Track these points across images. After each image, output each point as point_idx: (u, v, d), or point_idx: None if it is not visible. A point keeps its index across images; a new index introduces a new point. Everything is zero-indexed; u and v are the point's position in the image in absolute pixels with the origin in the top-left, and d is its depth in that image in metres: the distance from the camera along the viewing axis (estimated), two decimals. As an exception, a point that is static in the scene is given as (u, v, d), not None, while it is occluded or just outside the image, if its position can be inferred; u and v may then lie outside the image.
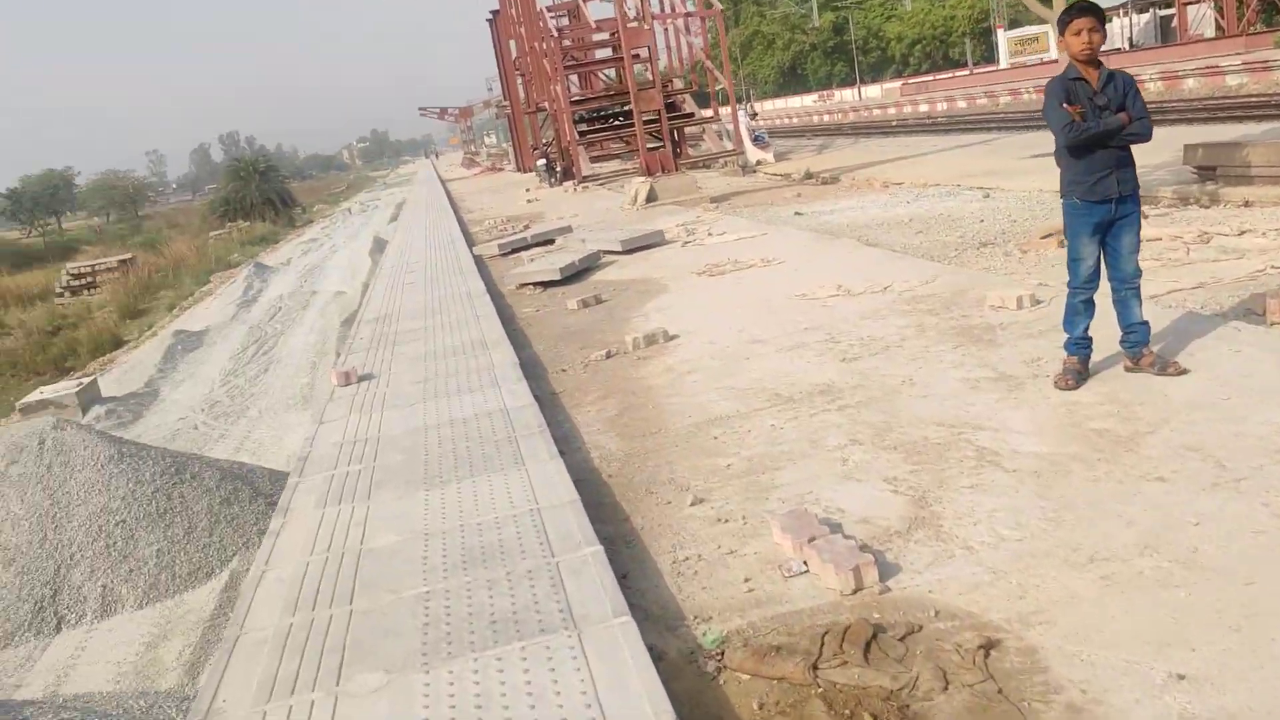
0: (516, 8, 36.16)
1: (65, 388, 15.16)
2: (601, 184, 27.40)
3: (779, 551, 3.96)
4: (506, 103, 50.42)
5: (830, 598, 3.55)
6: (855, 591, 3.55)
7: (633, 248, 13.51)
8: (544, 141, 37.70)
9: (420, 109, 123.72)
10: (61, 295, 41.33)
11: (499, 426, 5.78)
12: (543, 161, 31.75)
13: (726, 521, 4.37)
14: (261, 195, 63.72)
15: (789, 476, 4.76)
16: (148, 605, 7.60)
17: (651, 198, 17.94)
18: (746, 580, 3.79)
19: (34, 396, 14.93)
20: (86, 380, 15.79)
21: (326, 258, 34.22)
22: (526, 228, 19.38)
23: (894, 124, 39.20)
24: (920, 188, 17.75)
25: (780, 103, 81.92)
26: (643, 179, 20.03)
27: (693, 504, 4.60)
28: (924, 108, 46.22)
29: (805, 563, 3.80)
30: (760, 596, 3.65)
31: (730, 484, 4.79)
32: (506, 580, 3.71)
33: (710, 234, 14.13)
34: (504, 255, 16.03)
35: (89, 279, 41.75)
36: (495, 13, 46.56)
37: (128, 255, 44.47)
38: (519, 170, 49.23)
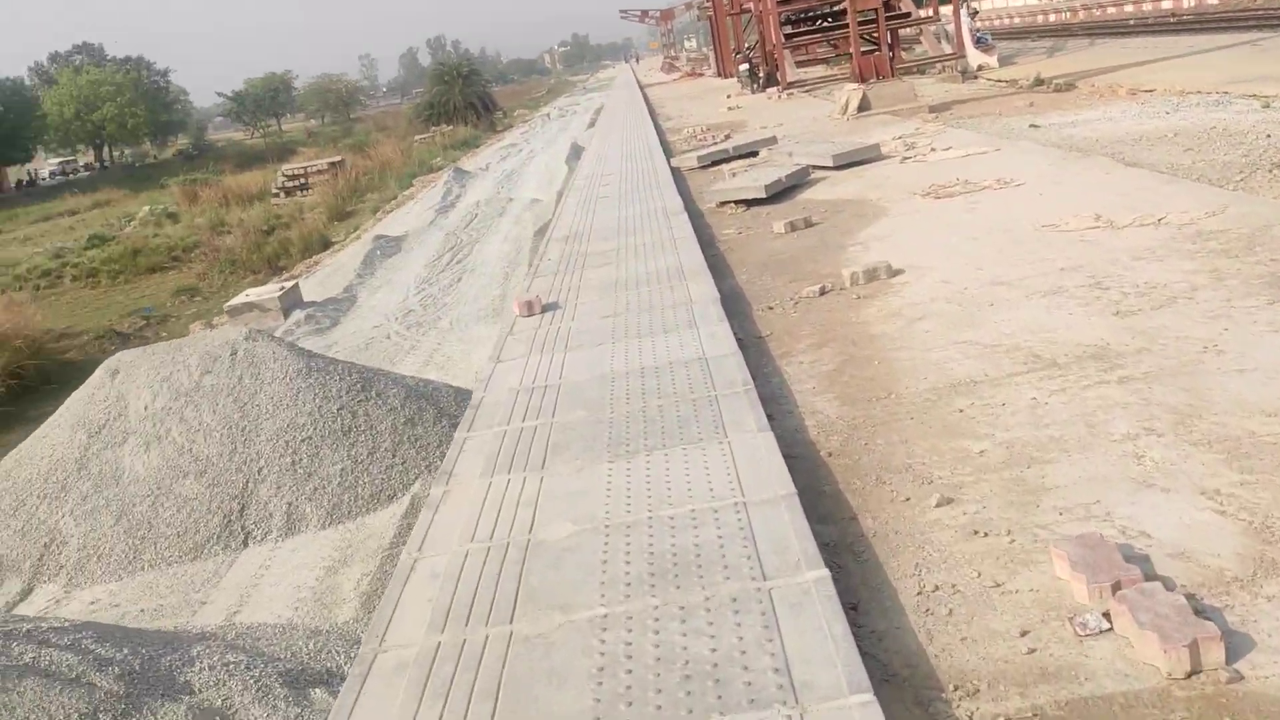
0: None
1: (269, 291, 15.44)
2: (807, 91, 25.70)
3: (1066, 593, 2.97)
4: (708, 4, 48.56)
5: (1152, 680, 2.56)
6: (1190, 675, 2.54)
7: (845, 163, 12.22)
8: (746, 45, 35.94)
9: (621, 11, 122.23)
10: (277, 195, 43.18)
11: (697, 380, 4.95)
12: (745, 66, 30.09)
13: (986, 535, 3.40)
14: (464, 99, 64.58)
15: (1064, 475, 3.71)
16: (330, 526, 7.33)
17: (864, 106, 16.36)
18: (1024, 634, 2.83)
19: (240, 299, 15.28)
20: (289, 285, 16.04)
21: (524, 164, 34.16)
22: (727, 138, 18.26)
23: (1132, 23, 35.16)
24: (1178, 96, 15.44)
25: (1000, 1, 75.84)
26: (854, 86, 18.33)
27: (939, 505, 3.64)
28: (1167, 4, 41.32)
29: (1107, 617, 2.80)
30: (1046, 664, 2.69)
31: (986, 479, 3.79)
32: (705, 608, 2.90)
33: (933, 149, 12.65)
34: (703, 168, 15.04)
35: (302, 180, 43.45)
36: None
37: (338, 158, 46.01)
38: (719, 76, 47.58)
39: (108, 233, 38.34)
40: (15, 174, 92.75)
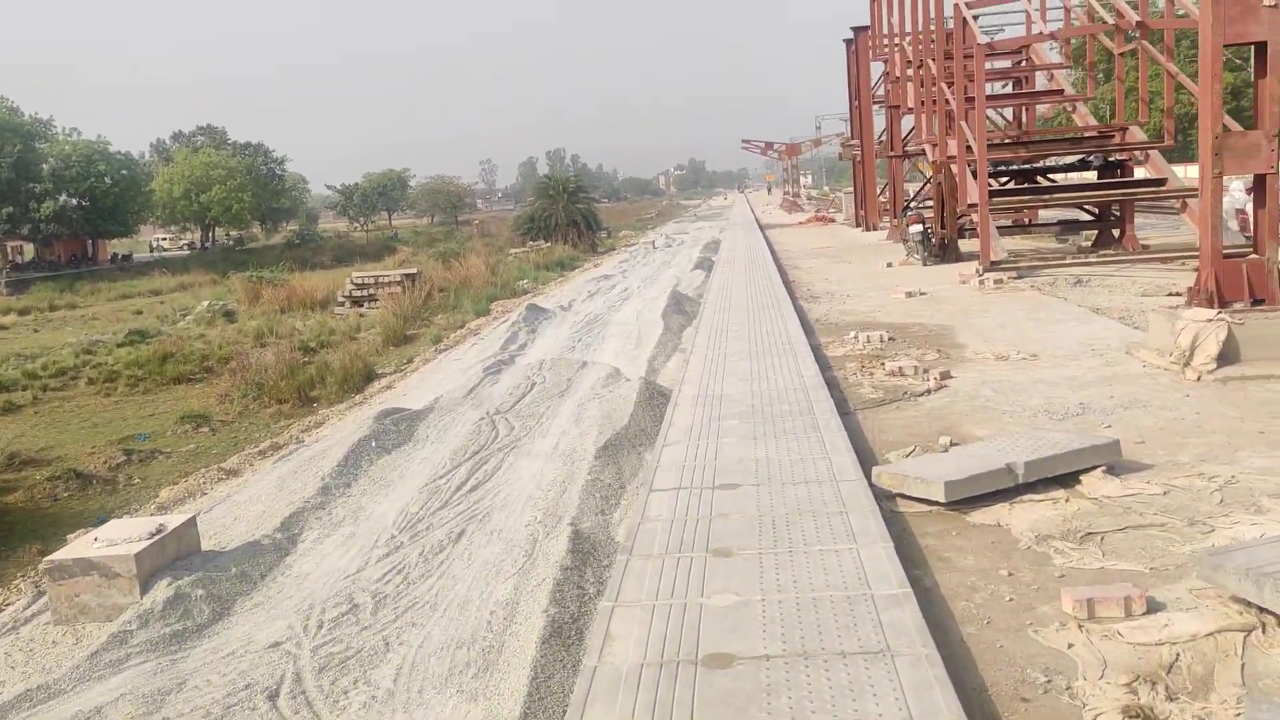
0: (904, 16, 28.01)
1: (130, 535, 8.82)
2: (1018, 275, 18.56)
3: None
4: (856, 142, 42.53)
5: None
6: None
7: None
8: (916, 199, 29.11)
9: (743, 141, 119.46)
10: (342, 305, 38.74)
11: None
12: (918, 228, 22.56)
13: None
14: (567, 217, 60.22)
15: None
16: None
17: (1228, 356, 9.05)
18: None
19: (72, 550, 8.74)
20: (179, 521, 9.41)
21: (614, 307, 28.14)
22: (942, 380, 11.17)
23: None
24: None
25: None
26: (1209, 317, 10.12)
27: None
28: None
29: None
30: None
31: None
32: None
33: None
34: (951, 505, 7.78)
35: (370, 291, 38.71)
36: (859, 30, 38.86)
37: (413, 270, 41.19)
38: (860, 227, 41.37)
39: (152, 328, 34.21)
40: (119, 246, 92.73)
